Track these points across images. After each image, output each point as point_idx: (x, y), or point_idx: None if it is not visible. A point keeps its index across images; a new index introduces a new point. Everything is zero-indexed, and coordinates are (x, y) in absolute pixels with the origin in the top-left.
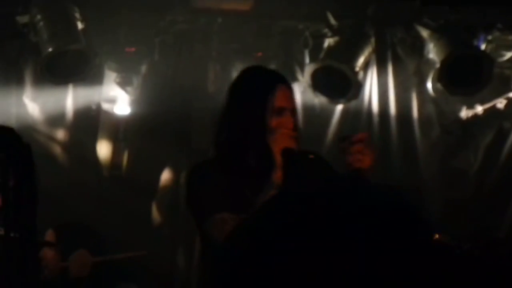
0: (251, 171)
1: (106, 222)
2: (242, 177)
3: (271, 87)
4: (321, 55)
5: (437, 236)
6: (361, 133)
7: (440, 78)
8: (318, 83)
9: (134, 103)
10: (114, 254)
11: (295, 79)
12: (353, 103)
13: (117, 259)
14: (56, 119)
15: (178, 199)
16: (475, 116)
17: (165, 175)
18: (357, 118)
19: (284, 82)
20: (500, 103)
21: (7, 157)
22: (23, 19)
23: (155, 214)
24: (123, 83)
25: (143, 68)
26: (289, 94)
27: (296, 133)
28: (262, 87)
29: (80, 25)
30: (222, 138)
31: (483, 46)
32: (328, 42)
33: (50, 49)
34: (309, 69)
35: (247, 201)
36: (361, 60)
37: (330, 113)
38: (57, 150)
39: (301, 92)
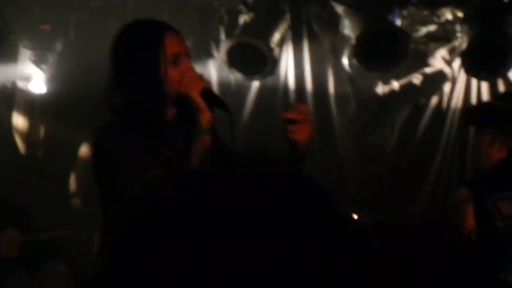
0: (162, 128)
1: (22, 200)
2: (155, 136)
3: (158, 37)
4: (237, 31)
5: (355, 216)
6: (301, 105)
7: (355, 54)
8: (233, 60)
9: (49, 81)
10: (38, 232)
11: (210, 55)
12: (269, 80)
13: (46, 238)
14: None
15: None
16: (392, 92)
17: (83, 150)
18: (273, 94)
19: (170, 28)
20: (416, 79)
21: None
22: None
23: (72, 185)
24: (38, 61)
25: (58, 46)
26: (179, 38)
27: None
28: (149, 39)
29: None
30: (118, 100)
31: (398, 22)
32: (243, 18)
33: None
34: (224, 45)
35: (169, 159)
36: (276, 37)
37: (246, 89)
38: None
39: (217, 69)
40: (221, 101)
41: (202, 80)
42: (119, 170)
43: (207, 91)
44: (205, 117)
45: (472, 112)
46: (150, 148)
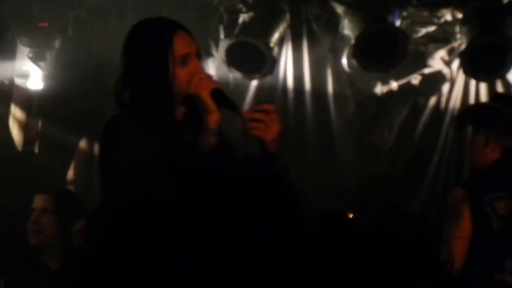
0: (170, 126)
1: (19, 198)
2: (162, 132)
3: (168, 36)
4: (236, 30)
5: (351, 215)
6: (268, 105)
7: (355, 54)
8: (232, 59)
9: (47, 78)
10: None
11: (210, 54)
12: (267, 79)
13: None
14: None
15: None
16: (390, 92)
17: (82, 142)
18: (271, 94)
19: (181, 27)
20: (415, 79)
21: None
22: None
23: (69, 174)
24: (36, 58)
25: (57, 43)
26: (188, 37)
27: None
28: (158, 38)
29: None
30: (127, 96)
31: (398, 22)
32: (243, 17)
33: None
34: (223, 44)
35: (174, 156)
36: (276, 36)
37: (245, 88)
38: None
39: (216, 68)
40: (231, 102)
41: (212, 81)
42: (123, 160)
43: (217, 92)
44: (213, 118)
45: (466, 113)
46: (156, 144)
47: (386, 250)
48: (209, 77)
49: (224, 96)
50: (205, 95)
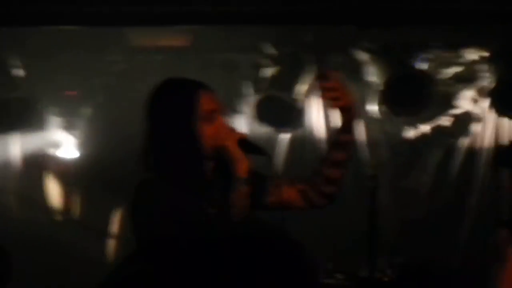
0: (201, 184)
1: (65, 267)
2: (193, 192)
3: (193, 95)
4: (263, 85)
5: None
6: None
7: (383, 100)
8: (262, 114)
9: (80, 146)
10: None
11: (238, 111)
12: (299, 131)
13: None
14: (3, 169)
15: None
16: (422, 135)
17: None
18: (303, 145)
19: (205, 86)
20: (445, 121)
21: None
22: None
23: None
24: (68, 127)
25: (87, 111)
26: (212, 95)
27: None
28: (184, 96)
29: (19, 73)
30: (153, 158)
31: (424, 65)
32: (268, 72)
33: None
34: (252, 100)
35: (207, 214)
36: (302, 88)
37: (276, 143)
38: (7, 200)
39: (245, 124)
40: (259, 147)
41: (238, 132)
42: (154, 224)
43: (243, 140)
44: (243, 167)
45: (500, 156)
46: (187, 204)
47: None
48: (234, 129)
49: (251, 143)
50: (231, 145)
